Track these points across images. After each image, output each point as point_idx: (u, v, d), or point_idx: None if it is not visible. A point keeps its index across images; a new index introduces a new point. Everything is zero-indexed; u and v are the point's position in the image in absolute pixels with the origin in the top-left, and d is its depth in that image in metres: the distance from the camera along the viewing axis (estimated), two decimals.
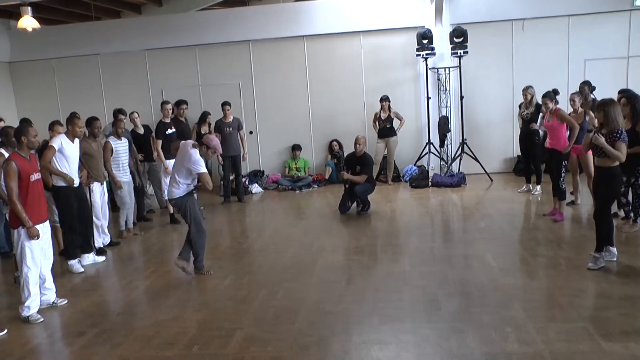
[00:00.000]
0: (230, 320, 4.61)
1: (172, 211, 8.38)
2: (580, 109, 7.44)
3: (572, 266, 5.37)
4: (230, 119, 9.80)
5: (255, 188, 10.98)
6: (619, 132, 5.14)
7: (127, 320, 4.81)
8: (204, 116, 10.53)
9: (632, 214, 6.50)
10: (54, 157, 6.04)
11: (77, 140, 6.36)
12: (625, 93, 6.61)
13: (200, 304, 5.04)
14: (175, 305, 5.04)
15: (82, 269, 6.32)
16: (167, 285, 5.63)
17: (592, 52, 10.65)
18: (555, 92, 7.53)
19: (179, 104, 9.31)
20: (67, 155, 6.16)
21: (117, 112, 8.40)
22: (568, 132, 7.12)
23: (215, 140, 5.78)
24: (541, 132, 8.95)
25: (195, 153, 5.60)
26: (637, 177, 6.27)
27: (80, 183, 6.45)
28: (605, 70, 10.43)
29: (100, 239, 7.14)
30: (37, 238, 4.78)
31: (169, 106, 9.00)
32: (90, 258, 6.54)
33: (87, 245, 6.57)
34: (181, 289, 5.49)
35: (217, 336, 4.26)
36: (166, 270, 6.18)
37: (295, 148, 11.51)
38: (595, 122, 5.91)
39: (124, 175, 7.63)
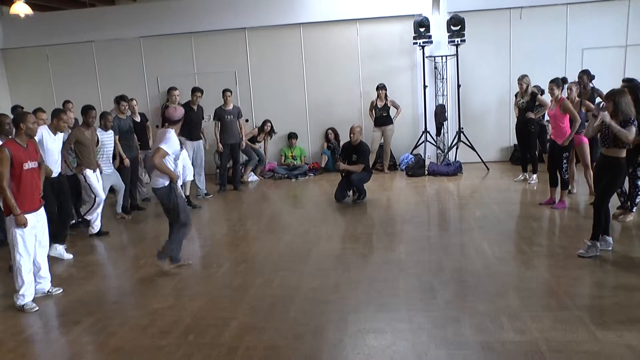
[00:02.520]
0: (226, 309, 4.60)
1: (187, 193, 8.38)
2: (577, 99, 7.42)
3: (568, 255, 5.37)
4: (230, 106, 9.75)
5: (251, 176, 10.95)
6: (631, 119, 5.08)
7: (122, 309, 4.79)
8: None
9: (628, 204, 6.51)
10: None
11: (60, 134, 6.39)
12: (629, 82, 6.58)
13: (195, 292, 5.02)
14: (171, 294, 5.03)
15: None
16: (162, 274, 5.60)
17: (590, 40, 10.63)
18: (564, 80, 7.49)
19: (194, 91, 9.28)
20: (47, 148, 6.16)
21: (119, 99, 8.36)
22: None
23: (179, 109, 5.53)
24: (545, 123, 8.98)
25: (170, 134, 5.38)
26: (636, 168, 6.26)
27: (60, 173, 6.44)
28: (603, 59, 10.41)
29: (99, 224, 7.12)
30: (25, 226, 4.73)
31: (177, 92, 8.96)
32: (58, 250, 6.32)
33: (60, 237, 6.36)
34: (176, 278, 5.47)
35: (213, 325, 4.25)
36: None
37: (292, 136, 11.49)
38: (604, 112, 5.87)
39: (107, 168, 7.58)
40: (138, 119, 9.03)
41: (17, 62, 12.27)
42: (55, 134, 6.31)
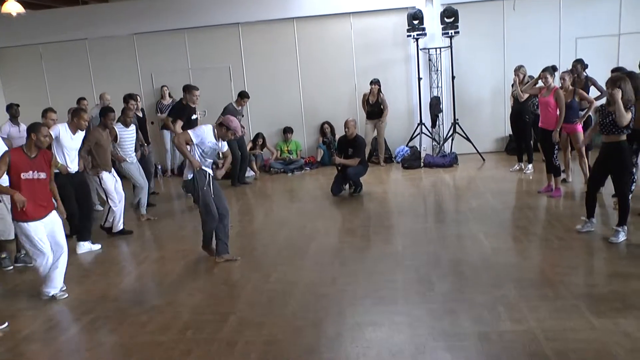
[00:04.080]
0: (224, 304, 4.62)
1: None
2: (570, 87, 7.44)
3: (564, 244, 5.41)
4: (240, 107, 9.94)
5: (247, 171, 10.93)
6: (630, 105, 5.20)
7: (121, 306, 4.79)
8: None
9: None
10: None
11: (79, 133, 6.40)
12: (619, 72, 6.59)
13: (193, 288, 5.03)
14: (169, 290, 5.04)
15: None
16: (161, 270, 5.62)
17: (583, 30, 10.64)
18: (553, 68, 7.53)
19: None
20: (64, 145, 6.23)
21: (128, 98, 8.35)
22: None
23: (235, 121, 5.56)
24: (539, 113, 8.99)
25: (206, 127, 5.46)
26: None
27: (78, 170, 6.47)
28: (597, 49, 10.41)
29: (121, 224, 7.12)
30: (23, 205, 4.66)
31: (199, 92, 8.83)
32: (86, 246, 6.48)
33: (86, 233, 6.52)
34: (175, 274, 5.48)
35: (211, 320, 4.27)
36: (159, 255, 6.18)
37: (287, 131, 11.47)
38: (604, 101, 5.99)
39: (130, 158, 7.58)
40: (140, 114, 9.07)
41: (10, 60, 12.21)
42: (74, 133, 6.34)
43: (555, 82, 7.54)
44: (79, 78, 11.92)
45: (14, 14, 8.43)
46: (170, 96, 10.86)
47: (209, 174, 5.59)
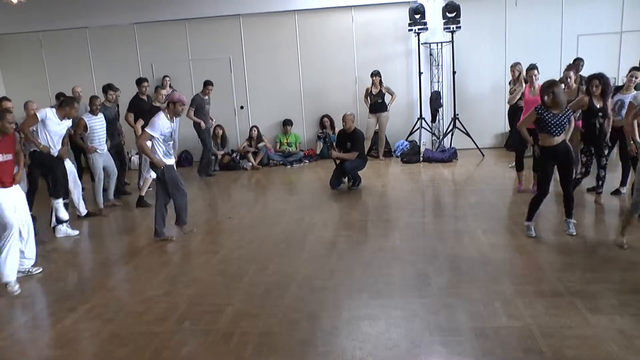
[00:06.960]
0: (221, 295, 4.62)
1: (142, 193, 8.14)
2: (574, 85, 7.45)
3: (561, 241, 5.41)
4: (207, 97, 10.03)
5: (247, 163, 10.93)
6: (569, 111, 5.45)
7: (117, 296, 4.81)
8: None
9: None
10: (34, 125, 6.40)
11: (66, 120, 6.62)
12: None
13: (190, 279, 5.03)
14: (166, 281, 5.04)
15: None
16: (158, 260, 5.62)
17: (585, 27, 10.61)
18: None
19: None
20: (50, 129, 6.46)
21: (107, 88, 8.36)
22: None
23: (177, 93, 5.83)
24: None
25: (157, 117, 5.68)
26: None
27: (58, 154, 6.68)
28: (599, 46, 10.40)
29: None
30: None
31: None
32: (63, 230, 6.67)
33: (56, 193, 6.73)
34: (172, 265, 5.49)
35: (208, 311, 4.27)
36: (157, 245, 6.16)
37: (287, 123, 11.46)
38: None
39: (100, 149, 7.71)
40: (116, 107, 9.05)
41: (10, 48, 12.15)
42: (62, 119, 6.55)
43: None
44: (79, 66, 11.88)
45: (15, 1, 8.40)
46: (170, 86, 10.82)
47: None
